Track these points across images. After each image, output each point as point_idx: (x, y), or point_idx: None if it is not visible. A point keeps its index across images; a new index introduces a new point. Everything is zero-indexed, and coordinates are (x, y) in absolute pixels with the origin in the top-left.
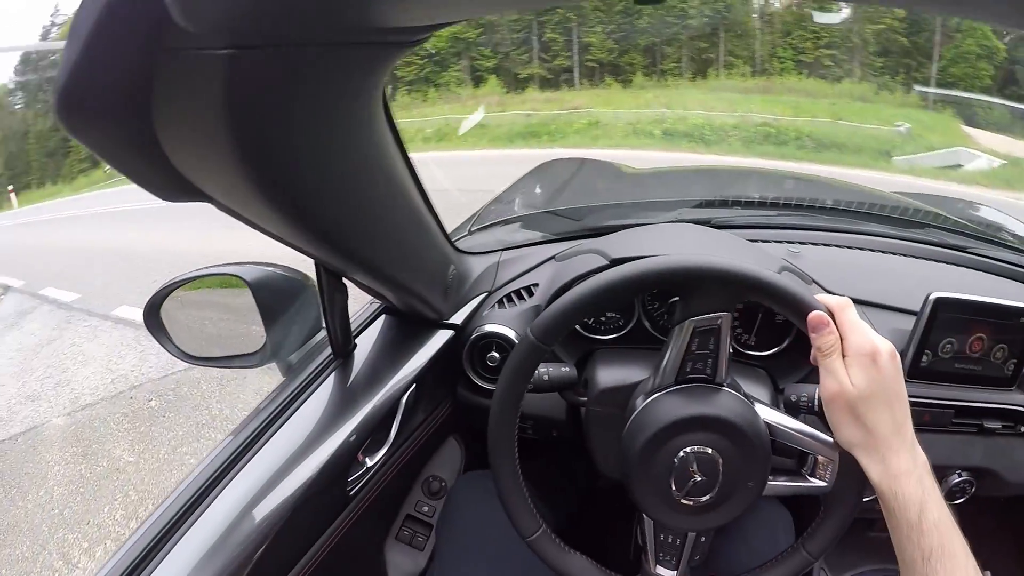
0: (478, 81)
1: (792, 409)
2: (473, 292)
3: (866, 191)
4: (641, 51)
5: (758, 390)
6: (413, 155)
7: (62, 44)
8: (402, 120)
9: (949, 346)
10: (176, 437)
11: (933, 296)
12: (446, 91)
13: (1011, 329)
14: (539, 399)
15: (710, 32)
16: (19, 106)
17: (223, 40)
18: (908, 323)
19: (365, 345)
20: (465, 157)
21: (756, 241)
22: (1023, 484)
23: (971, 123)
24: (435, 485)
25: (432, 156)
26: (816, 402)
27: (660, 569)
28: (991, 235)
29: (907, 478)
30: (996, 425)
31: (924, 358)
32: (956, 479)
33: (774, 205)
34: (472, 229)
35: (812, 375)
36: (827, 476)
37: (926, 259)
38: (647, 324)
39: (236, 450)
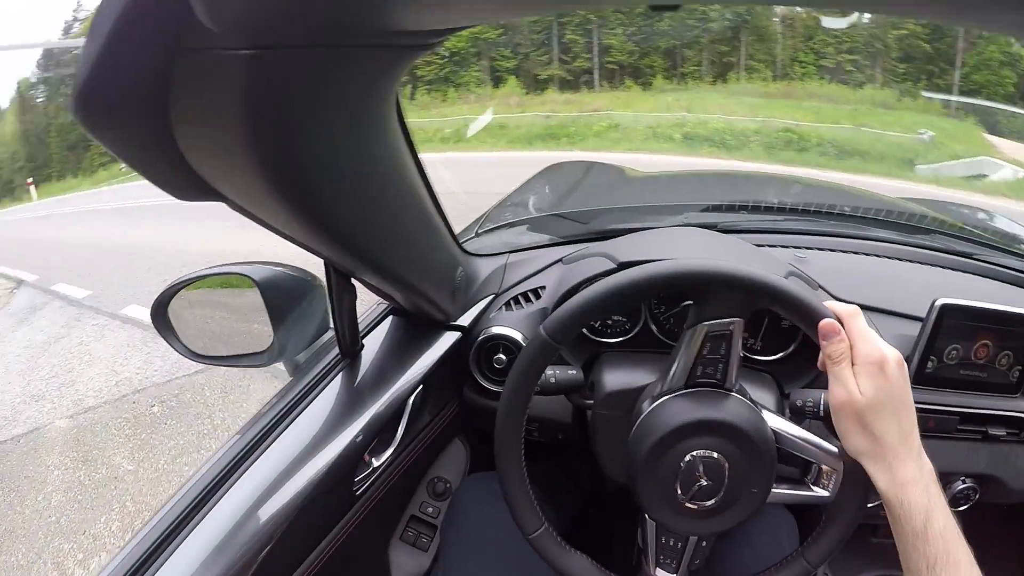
0: (498, 82)
1: (797, 415)
2: (480, 294)
3: (872, 197)
4: (661, 54)
5: (764, 395)
6: (431, 155)
7: (82, 41)
8: (421, 120)
9: (954, 352)
10: (176, 447)
11: (939, 302)
12: (465, 91)
13: (1016, 336)
14: (545, 402)
15: (731, 36)
16: (41, 99)
17: (244, 40)
18: (914, 329)
19: (372, 346)
20: (483, 159)
21: (763, 246)
22: None
23: (994, 131)
24: (440, 486)
25: (449, 157)
26: (821, 408)
27: (660, 572)
28: (997, 242)
29: (913, 486)
30: (1001, 432)
31: (929, 364)
32: (960, 486)
33: (781, 210)
34: (479, 231)
35: (817, 381)
36: (830, 486)
37: (932, 265)
38: (654, 328)
39: (243, 449)
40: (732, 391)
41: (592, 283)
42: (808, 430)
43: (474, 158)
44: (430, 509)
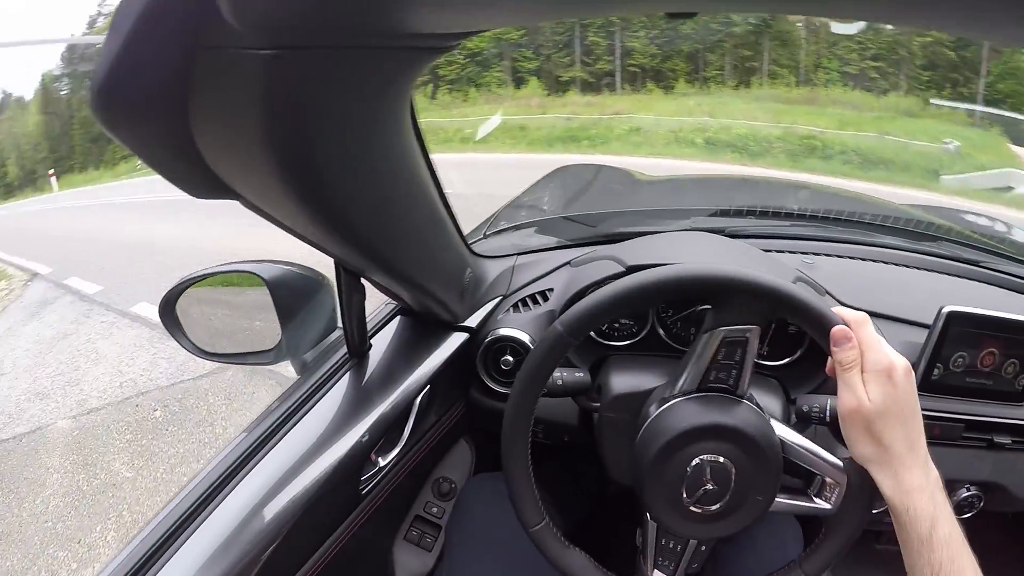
0: (519, 83)
1: (803, 420)
2: (488, 295)
3: (880, 203)
4: (684, 57)
5: (770, 400)
6: (451, 156)
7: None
8: (442, 119)
9: (961, 360)
10: (176, 455)
11: (946, 310)
12: (487, 91)
13: (1022, 344)
14: (552, 403)
15: (754, 40)
16: (65, 92)
17: (265, 40)
18: (920, 336)
19: (380, 345)
20: (503, 160)
21: (770, 251)
22: None
23: (1019, 142)
24: (445, 486)
25: (469, 158)
26: (828, 413)
27: (657, 573)
28: (1005, 249)
29: (919, 494)
30: (1006, 440)
31: (936, 371)
32: (965, 493)
33: (788, 216)
34: (488, 233)
35: (823, 386)
36: (833, 498)
37: (939, 272)
38: (661, 332)
39: (250, 447)
40: (743, 398)
41: (600, 286)
42: (814, 435)
43: (494, 159)
44: (435, 509)
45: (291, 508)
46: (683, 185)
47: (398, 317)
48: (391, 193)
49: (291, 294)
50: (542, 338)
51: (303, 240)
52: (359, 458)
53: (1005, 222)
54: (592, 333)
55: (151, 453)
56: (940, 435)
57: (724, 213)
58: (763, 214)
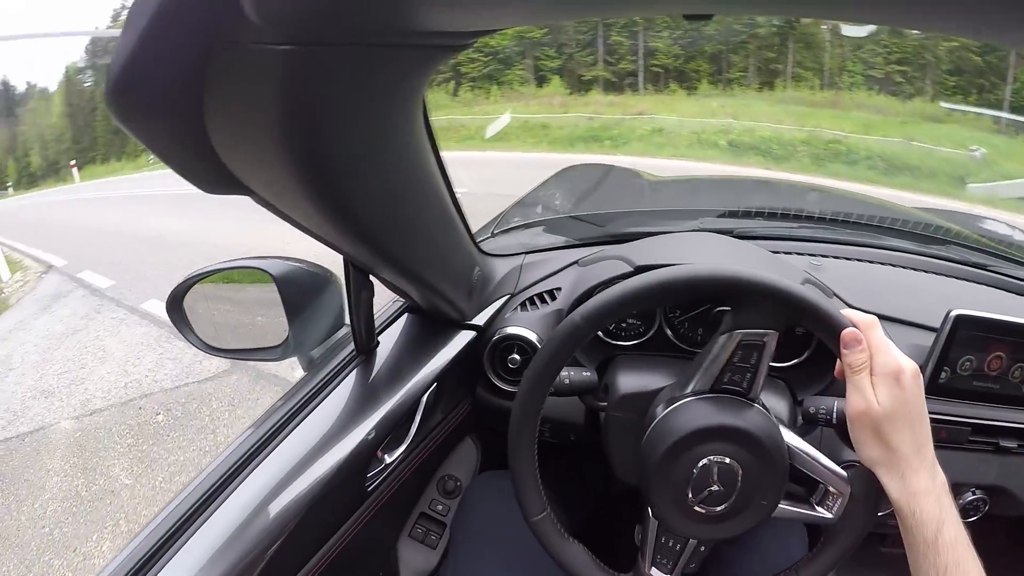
0: (541, 81)
1: (810, 422)
2: (496, 294)
3: (888, 206)
4: (707, 58)
5: (777, 402)
6: (471, 154)
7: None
8: (464, 117)
9: (968, 364)
10: (176, 463)
11: (953, 313)
12: (509, 89)
13: None
14: (558, 403)
15: (778, 42)
16: (88, 84)
17: (282, 35)
18: (927, 339)
19: (387, 343)
20: (524, 159)
21: (778, 253)
22: None
23: None
24: (450, 484)
25: (489, 156)
26: (834, 415)
27: (655, 571)
28: (1013, 253)
29: (926, 497)
30: (1012, 444)
31: (943, 375)
32: (970, 497)
33: (796, 217)
34: (496, 231)
35: (830, 388)
36: (834, 508)
37: (947, 276)
38: (668, 332)
39: (257, 443)
40: (755, 402)
41: (608, 286)
42: (820, 437)
43: (514, 159)
44: (440, 507)
45: (297, 504)
46: (692, 186)
47: (405, 315)
48: (402, 191)
49: (299, 291)
50: (560, 327)
51: (313, 237)
52: (365, 455)
53: (1014, 226)
54: (599, 332)
55: (151, 460)
56: (947, 438)
57: (732, 214)
58: (771, 216)
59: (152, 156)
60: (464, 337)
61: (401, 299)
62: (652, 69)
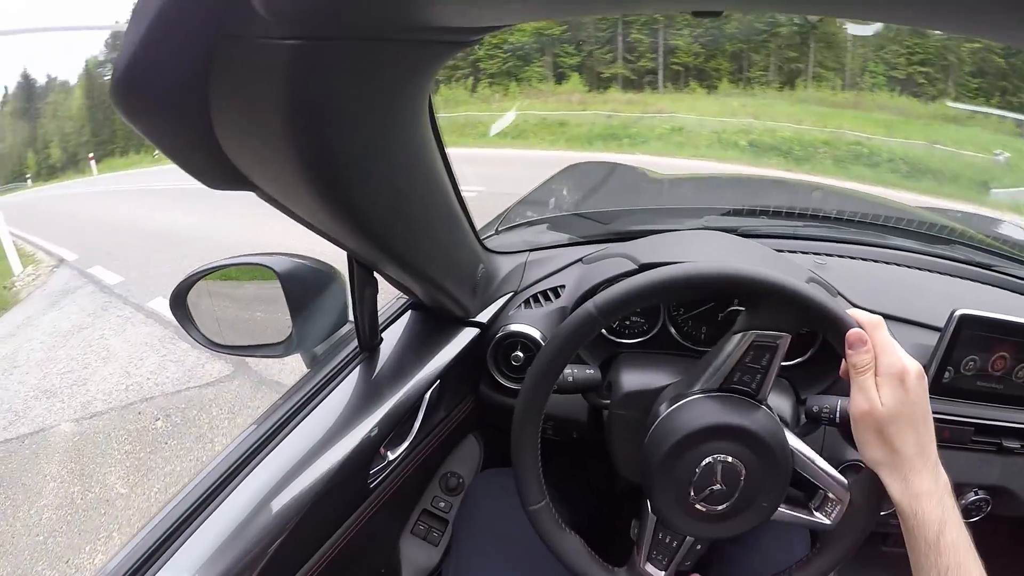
0: (560, 78)
1: (813, 420)
2: (500, 291)
3: (893, 205)
4: (728, 57)
5: (781, 400)
6: (486, 151)
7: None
8: (482, 113)
9: (972, 364)
10: (172, 473)
11: (958, 313)
12: (527, 86)
13: None
14: (562, 400)
15: (800, 42)
16: (108, 77)
17: (288, 30)
18: (931, 339)
19: (391, 340)
20: (541, 158)
21: (783, 251)
22: None
23: None
24: (452, 481)
25: (506, 154)
26: (837, 414)
27: (649, 566)
28: (1018, 254)
29: (928, 498)
30: (1015, 444)
31: (946, 375)
32: (973, 497)
33: (801, 216)
34: (500, 228)
35: (833, 387)
36: (832, 515)
37: (951, 275)
38: (672, 330)
39: (259, 439)
40: (763, 403)
41: (611, 284)
42: (823, 436)
43: (531, 156)
44: (442, 504)
45: (299, 501)
46: (696, 184)
47: (409, 311)
48: (407, 187)
49: (303, 287)
50: (573, 315)
51: (317, 232)
52: (368, 452)
53: (1019, 226)
54: (603, 330)
55: (147, 468)
56: (950, 438)
57: (737, 212)
58: (776, 214)
59: (157, 151)
60: (467, 334)
61: (405, 296)
62: (672, 67)
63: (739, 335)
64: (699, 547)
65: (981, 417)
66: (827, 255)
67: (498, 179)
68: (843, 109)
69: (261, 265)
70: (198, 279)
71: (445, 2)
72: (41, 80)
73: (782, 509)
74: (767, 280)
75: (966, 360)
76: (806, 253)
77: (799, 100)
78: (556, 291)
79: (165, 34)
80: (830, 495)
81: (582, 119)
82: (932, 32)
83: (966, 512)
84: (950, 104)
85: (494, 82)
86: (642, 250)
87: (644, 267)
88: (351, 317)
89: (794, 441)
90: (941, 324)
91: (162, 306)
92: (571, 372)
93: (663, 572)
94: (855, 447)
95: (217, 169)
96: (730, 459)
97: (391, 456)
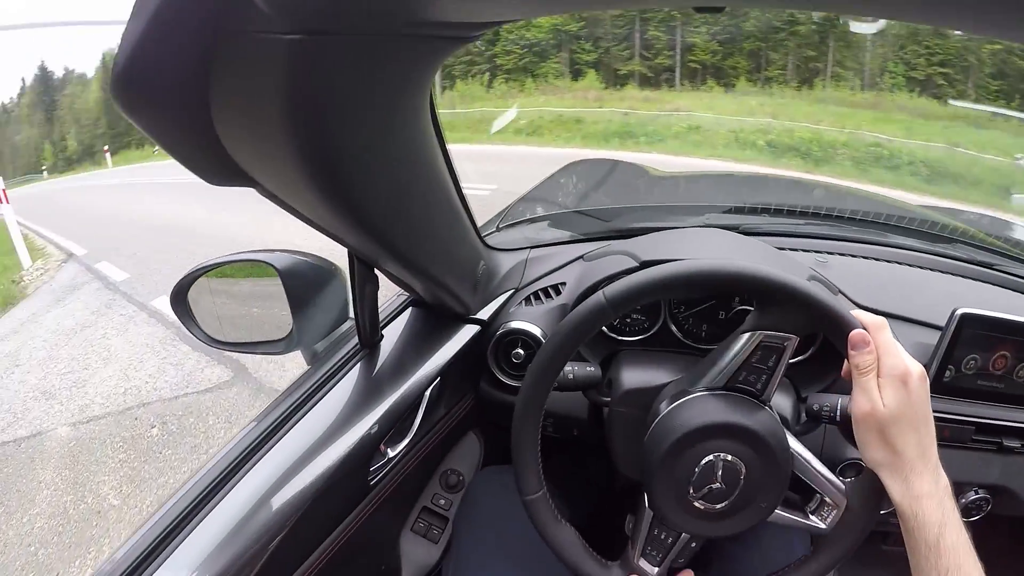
0: (577, 74)
1: (814, 419)
2: (501, 288)
3: (895, 204)
4: (746, 55)
5: (781, 398)
6: (501, 148)
7: None
8: (497, 109)
9: (972, 363)
10: (164, 485)
11: (959, 312)
12: (544, 82)
13: None
14: (562, 398)
15: (818, 40)
16: None
17: (289, 25)
18: (932, 337)
19: (391, 337)
20: (557, 156)
21: (784, 249)
22: None
23: None
24: (453, 478)
25: (520, 151)
26: (838, 413)
27: (643, 562)
28: (1020, 253)
29: (928, 500)
30: (1016, 444)
31: (947, 374)
32: (973, 496)
33: (803, 214)
34: (501, 225)
35: (834, 385)
36: (828, 519)
37: (953, 274)
38: (673, 328)
39: (260, 436)
40: (767, 404)
41: (613, 281)
42: (824, 434)
43: (547, 154)
44: (442, 501)
45: (300, 498)
46: (698, 181)
47: (410, 308)
48: (408, 184)
49: (303, 284)
50: (582, 305)
51: (318, 229)
52: (368, 449)
53: (1021, 225)
54: (603, 327)
55: (141, 479)
56: (950, 437)
57: (739, 210)
58: (777, 212)
59: (157, 147)
60: (468, 331)
61: (405, 293)
62: (689, 64)
63: (747, 334)
64: (694, 545)
65: (982, 416)
66: (828, 253)
67: (512, 177)
68: (862, 110)
69: (262, 262)
70: (199, 276)
71: None
72: (59, 72)
73: (778, 511)
74: (778, 280)
75: (967, 359)
76: (807, 251)
77: (817, 100)
78: (557, 288)
79: (165, 29)
80: (827, 499)
81: (598, 116)
82: (952, 32)
83: (966, 511)
84: (952, 103)
85: (510, 78)
86: (643, 247)
87: (645, 264)
88: (352, 314)
89: (794, 444)
90: (942, 323)
91: (165, 305)
92: (572, 369)
93: (656, 568)
94: (855, 445)
95: (217, 165)
96: (731, 458)
97: (391, 453)
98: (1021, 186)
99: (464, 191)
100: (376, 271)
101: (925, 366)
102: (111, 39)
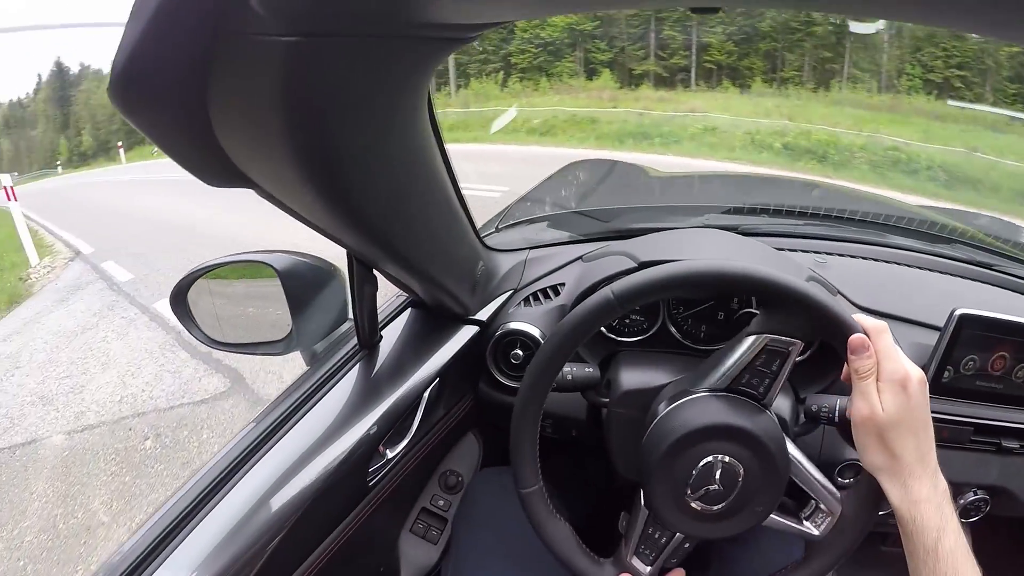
0: (591, 74)
1: (812, 420)
2: (499, 289)
3: (894, 204)
4: (761, 56)
5: (780, 399)
6: (512, 148)
7: None
8: (510, 108)
9: (971, 363)
10: (154, 503)
11: (957, 312)
12: (558, 81)
13: None
14: (561, 399)
15: (835, 42)
16: None
17: (286, 27)
18: (931, 338)
19: (390, 337)
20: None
21: (783, 249)
22: None
23: None
24: (452, 479)
25: (533, 151)
26: (836, 414)
27: (636, 561)
28: (1019, 253)
29: (927, 504)
30: (1014, 444)
31: (946, 374)
32: (972, 497)
33: (802, 214)
34: (500, 226)
35: (832, 386)
36: (821, 526)
37: (952, 275)
38: (672, 328)
39: (259, 436)
40: (768, 408)
41: (612, 282)
42: (822, 435)
43: (560, 155)
44: (441, 502)
45: (299, 499)
46: (697, 182)
47: (409, 309)
48: (406, 185)
49: (302, 284)
50: (590, 299)
51: (317, 230)
52: (367, 450)
53: (1020, 226)
54: (602, 328)
55: (131, 495)
56: (948, 438)
57: (738, 211)
58: (777, 212)
59: (156, 148)
60: (467, 332)
61: (404, 294)
62: (705, 65)
63: (753, 337)
64: (687, 545)
65: (980, 417)
66: (827, 254)
67: (525, 179)
68: (880, 112)
69: (261, 263)
70: (198, 276)
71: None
72: (75, 68)
73: (772, 515)
74: (782, 283)
75: (966, 360)
76: (807, 252)
77: (834, 102)
78: (556, 289)
79: (163, 31)
80: (821, 506)
81: (613, 116)
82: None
83: (965, 512)
84: (951, 103)
85: (525, 77)
86: (642, 248)
87: (644, 265)
88: (351, 315)
89: (792, 449)
90: (941, 323)
91: (167, 308)
92: (570, 370)
93: (649, 568)
94: (854, 447)
95: (215, 166)
96: (730, 460)
97: (390, 454)
98: None
99: (476, 193)
100: (375, 272)
101: (924, 367)
102: None
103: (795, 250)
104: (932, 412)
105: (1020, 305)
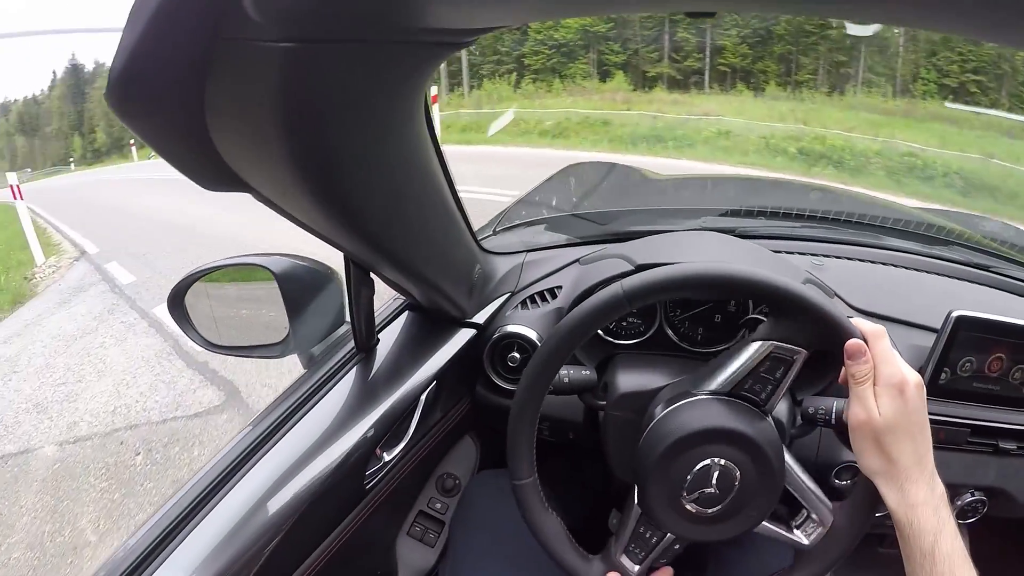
0: (604, 76)
1: (809, 422)
2: (497, 292)
3: (891, 207)
4: (776, 59)
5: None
6: (523, 150)
7: None
8: (523, 109)
9: (968, 365)
10: (140, 524)
11: (954, 314)
12: (571, 83)
13: None
14: (557, 401)
15: (850, 45)
16: None
17: (283, 32)
18: (928, 340)
19: (387, 340)
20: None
21: (780, 252)
22: None
23: None
24: (449, 482)
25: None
26: (833, 416)
27: (625, 559)
28: (1016, 255)
29: (924, 508)
30: (1011, 446)
31: (943, 376)
32: (969, 498)
33: (799, 217)
34: (497, 229)
35: (829, 389)
36: (811, 536)
37: (949, 276)
38: (669, 331)
39: (256, 440)
40: (768, 415)
41: (608, 284)
42: (819, 437)
43: (573, 158)
44: (438, 505)
45: (296, 501)
46: (694, 185)
47: (406, 312)
48: (404, 189)
49: (299, 288)
50: (597, 295)
51: (314, 234)
52: (364, 453)
53: (1016, 227)
54: (599, 331)
55: (119, 515)
56: (945, 439)
57: (735, 213)
58: (774, 215)
59: (152, 152)
60: (464, 335)
61: (401, 297)
62: (719, 68)
63: (758, 343)
64: (677, 547)
65: (977, 418)
66: (824, 256)
67: (536, 183)
68: (895, 117)
69: (258, 266)
70: (195, 280)
71: (438, 4)
72: (90, 66)
73: (765, 522)
74: (786, 289)
75: (962, 361)
76: (803, 254)
77: (849, 106)
78: (553, 292)
79: (160, 37)
80: (813, 516)
81: (626, 119)
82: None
83: (962, 513)
84: (948, 105)
85: (538, 78)
86: (639, 251)
87: (641, 268)
88: (348, 318)
89: (788, 459)
90: (938, 325)
91: (166, 314)
92: (567, 373)
93: (637, 567)
94: (851, 449)
95: (212, 170)
96: (728, 464)
97: (387, 457)
98: None
99: (485, 198)
100: (372, 275)
101: (920, 368)
102: None
103: (792, 252)
104: (929, 413)
105: (1017, 307)
